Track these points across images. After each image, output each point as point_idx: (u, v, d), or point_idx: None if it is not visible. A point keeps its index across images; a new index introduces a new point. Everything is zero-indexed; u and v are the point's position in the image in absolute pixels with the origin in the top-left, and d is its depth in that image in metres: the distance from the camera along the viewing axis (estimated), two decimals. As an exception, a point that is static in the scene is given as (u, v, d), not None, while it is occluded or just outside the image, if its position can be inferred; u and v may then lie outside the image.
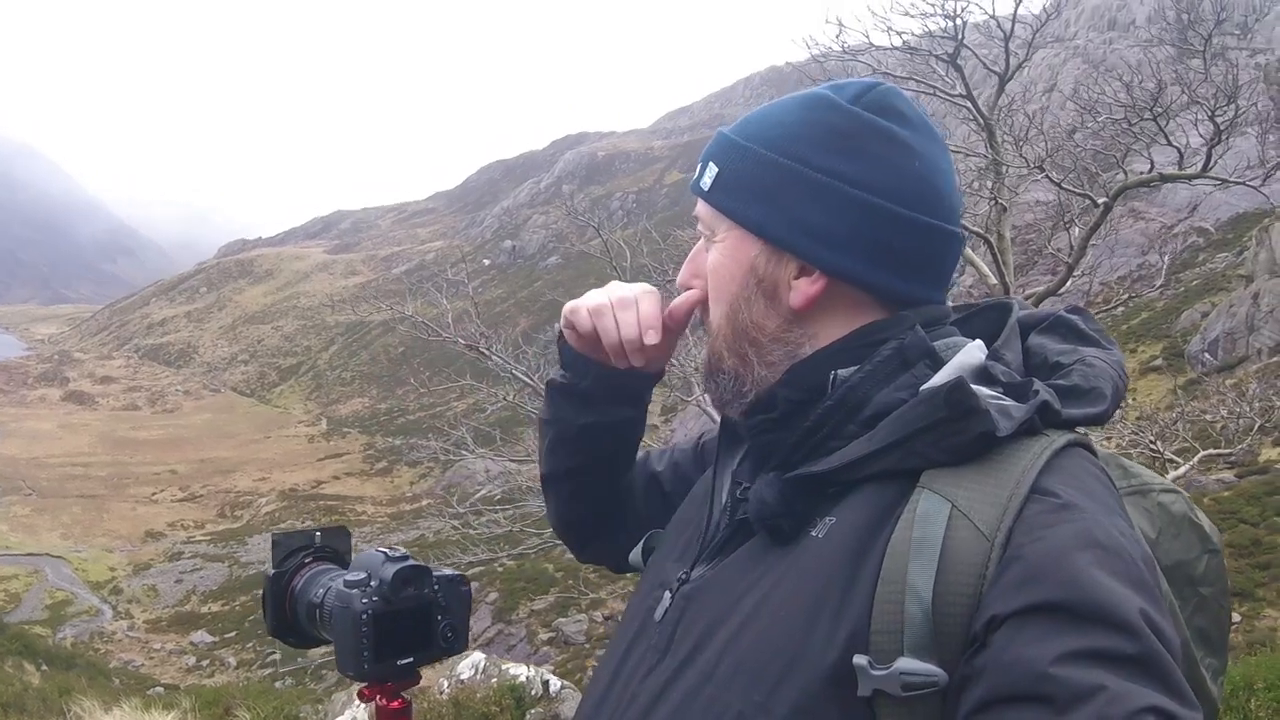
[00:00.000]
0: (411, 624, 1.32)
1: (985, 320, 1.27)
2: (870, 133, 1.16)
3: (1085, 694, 0.82)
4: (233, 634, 42.48)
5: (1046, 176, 11.31)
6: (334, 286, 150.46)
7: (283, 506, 70.23)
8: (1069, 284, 11.43)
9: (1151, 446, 14.16)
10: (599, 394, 1.47)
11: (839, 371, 1.15)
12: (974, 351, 1.15)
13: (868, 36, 11.82)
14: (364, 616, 1.27)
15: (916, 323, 1.16)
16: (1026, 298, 11.03)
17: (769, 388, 1.21)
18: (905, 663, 0.93)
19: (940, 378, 1.09)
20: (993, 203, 11.16)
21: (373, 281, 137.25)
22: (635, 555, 1.51)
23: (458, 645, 1.37)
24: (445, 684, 8.19)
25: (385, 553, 1.34)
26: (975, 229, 11.20)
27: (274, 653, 36.14)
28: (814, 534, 1.08)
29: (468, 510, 14.55)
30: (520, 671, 7.97)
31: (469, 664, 8.41)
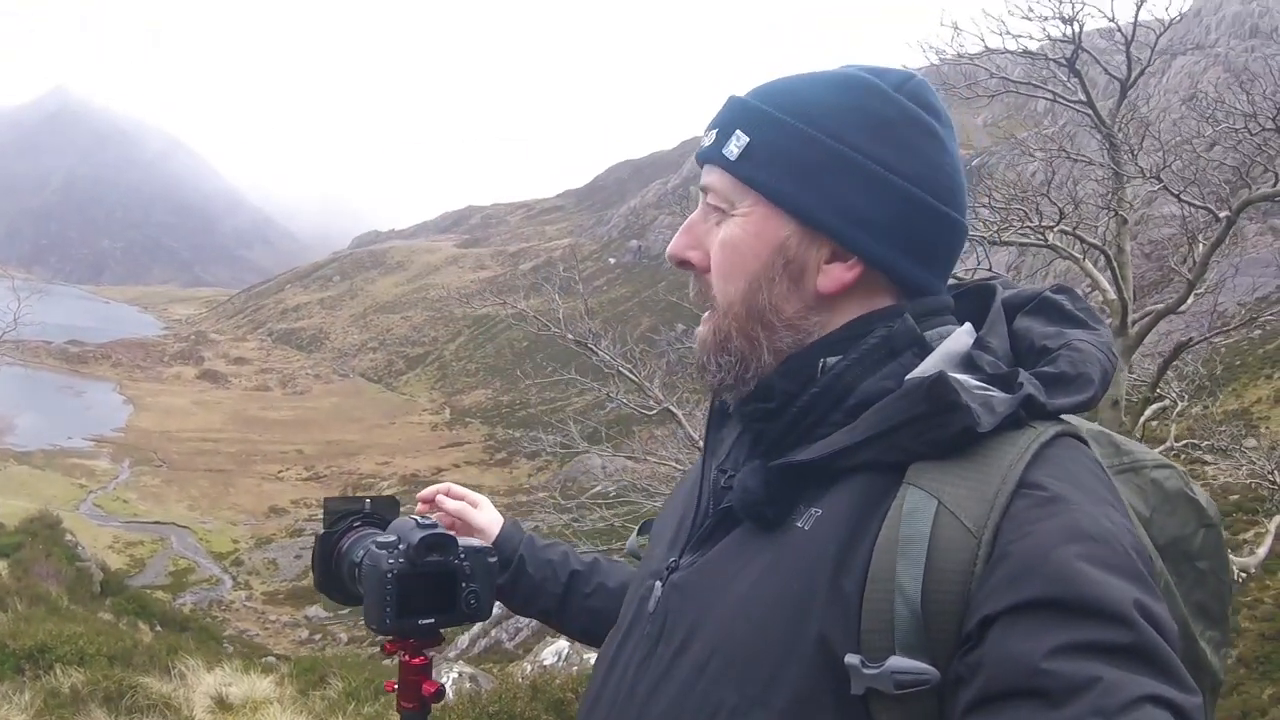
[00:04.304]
0: (435, 587, 1.38)
1: (971, 303, 1.21)
2: (914, 125, 1.13)
3: (1080, 686, 0.81)
4: (346, 611, 42.36)
5: (1164, 187, 10.70)
6: (463, 280, 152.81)
7: (403, 490, 70.36)
8: (1189, 301, 10.82)
9: (1270, 479, 13.33)
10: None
11: (827, 360, 1.12)
12: (961, 338, 1.12)
13: (983, 40, 11.49)
14: (389, 575, 1.35)
15: (906, 311, 1.12)
16: (1144, 315, 10.91)
17: (768, 376, 1.15)
18: (897, 661, 0.92)
19: (925, 366, 1.07)
20: (1112, 214, 10.78)
21: (500, 276, 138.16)
22: (632, 543, 1.50)
23: (481, 613, 1.42)
24: (529, 668, 8.37)
25: (417, 520, 1.42)
26: (1093, 242, 10.91)
27: (385, 631, 36.17)
28: (799, 525, 1.06)
29: (579, 505, 14.51)
30: (602, 660, 7.91)
31: (553, 650, 8.85)
